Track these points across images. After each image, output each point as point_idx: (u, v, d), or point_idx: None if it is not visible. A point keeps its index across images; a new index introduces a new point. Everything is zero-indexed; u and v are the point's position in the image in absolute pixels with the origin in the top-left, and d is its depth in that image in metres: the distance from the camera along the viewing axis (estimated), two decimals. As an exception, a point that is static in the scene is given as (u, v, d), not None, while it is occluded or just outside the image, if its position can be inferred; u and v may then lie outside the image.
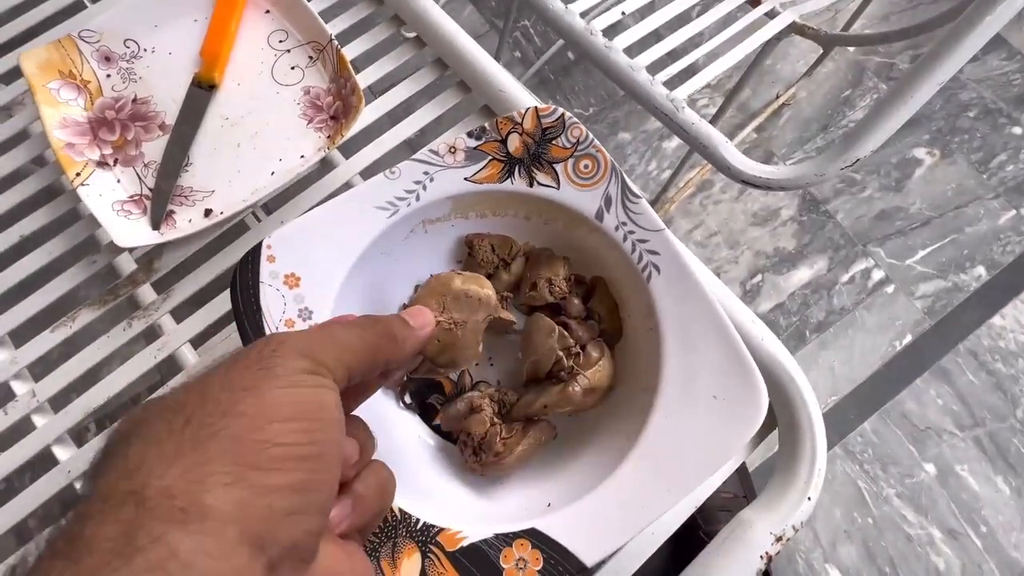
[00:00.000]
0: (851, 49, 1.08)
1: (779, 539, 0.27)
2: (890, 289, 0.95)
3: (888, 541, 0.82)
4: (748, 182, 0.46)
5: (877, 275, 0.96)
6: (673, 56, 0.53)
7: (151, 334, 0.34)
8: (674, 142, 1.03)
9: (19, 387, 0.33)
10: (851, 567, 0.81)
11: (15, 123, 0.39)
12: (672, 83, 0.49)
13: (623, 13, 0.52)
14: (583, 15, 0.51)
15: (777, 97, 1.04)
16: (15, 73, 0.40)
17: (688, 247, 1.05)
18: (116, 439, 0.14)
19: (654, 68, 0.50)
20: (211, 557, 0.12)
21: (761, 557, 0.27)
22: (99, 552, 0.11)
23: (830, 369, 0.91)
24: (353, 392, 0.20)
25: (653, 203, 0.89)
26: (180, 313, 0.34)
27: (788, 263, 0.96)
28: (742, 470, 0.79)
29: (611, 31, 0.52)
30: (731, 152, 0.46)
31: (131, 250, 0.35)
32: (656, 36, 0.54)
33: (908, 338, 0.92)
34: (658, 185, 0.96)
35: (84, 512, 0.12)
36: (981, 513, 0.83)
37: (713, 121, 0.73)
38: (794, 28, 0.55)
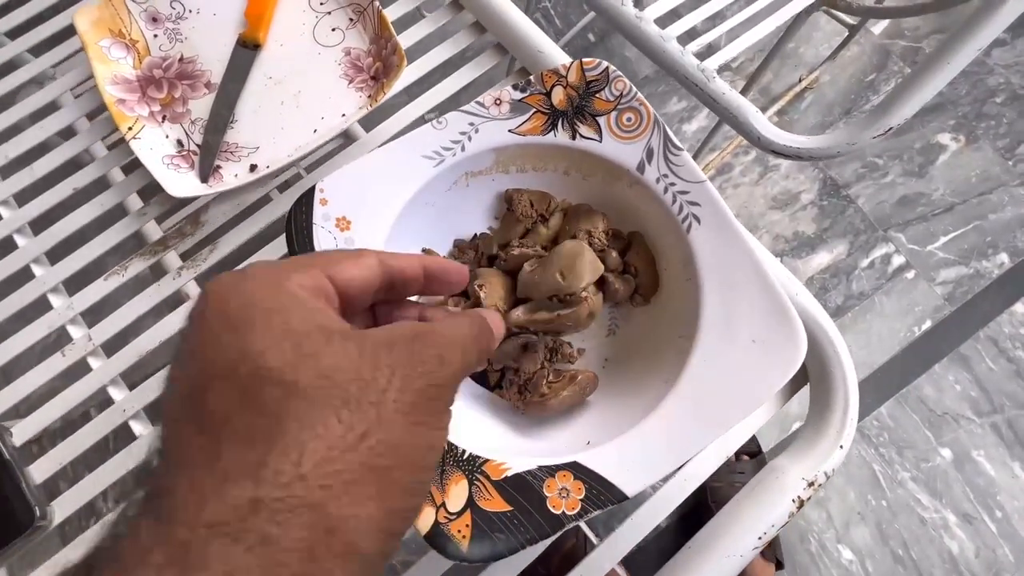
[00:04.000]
0: (876, 32, 1.07)
1: (811, 484, 0.28)
2: (910, 275, 0.94)
3: (902, 524, 0.83)
4: (778, 152, 0.46)
5: (897, 261, 0.95)
6: (704, 28, 0.53)
7: (198, 284, 0.35)
8: (695, 124, 1.03)
9: (75, 332, 0.34)
10: (864, 548, 0.82)
11: (64, 82, 0.40)
12: (702, 54, 0.49)
13: (654, -16, 0.52)
14: (614, -14, 0.51)
15: (800, 80, 1.03)
16: (60, 36, 0.41)
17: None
18: (263, 388, 0.13)
19: (684, 39, 0.50)
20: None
21: (793, 501, 0.28)
22: (284, 559, 0.11)
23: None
24: None
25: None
26: (224, 266, 0.35)
27: (807, 247, 0.96)
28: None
29: (641, 2, 0.52)
30: (761, 122, 0.46)
31: (175, 203, 0.36)
32: (687, 7, 0.54)
33: (927, 324, 0.92)
34: (677, 167, 0.96)
35: (254, 494, 0.12)
36: (996, 498, 0.83)
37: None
38: (825, 1, 0.54)
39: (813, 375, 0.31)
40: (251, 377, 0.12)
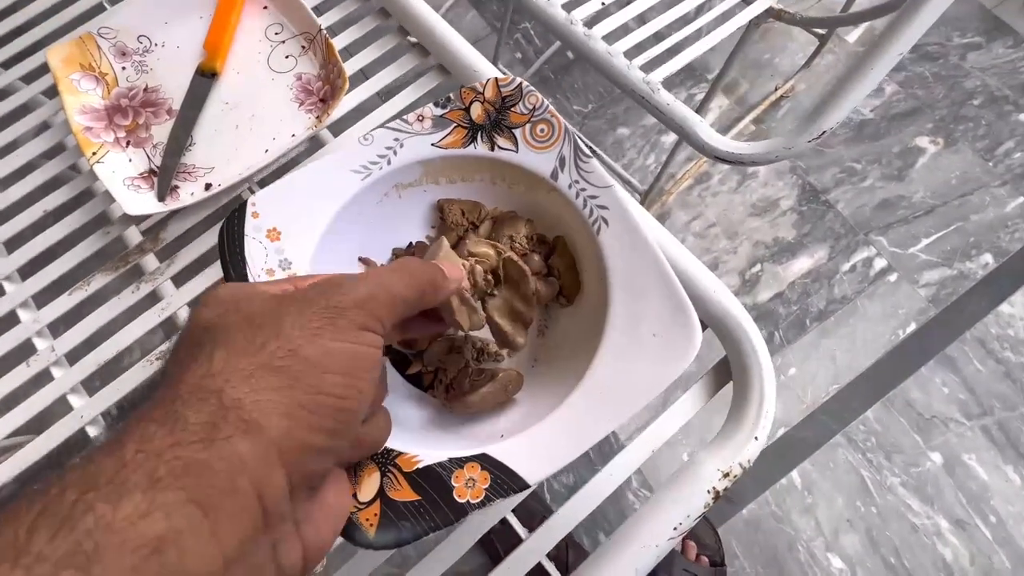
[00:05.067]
0: (851, 41, 1.09)
1: (726, 475, 0.29)
2: (893, 278, 0.94)
3: (892, 530, 0.81)
4: (722, 158, 0.47)
5: (879, 264, 0.95)
6: (651, 42, 0.55)
7: (156, 297, 0.37)
8: (672, 136, 1.04)
9: (40, 343, 0.36)
10: (854, 556, 0.80)
11: (40, 114, 0.43)
12: (649, 67, 0.52)
13: (603, 3, 0.55)
14: (564, 7, 0.54)
15: (775, 89, 1.05)
16: (39, 72, 0.44)
17: (686, 238, 1.05)
18: (200, 332, 0.18)
19: (632, 54, 0.52)
20: (260, 465, 0.15)
21: (708, 491, 0.28)
22: (190, 431, 0.14)
23: (831, 358, 0.90)
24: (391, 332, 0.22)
25: (648, 194, 0.90)
26: (181, 278, 0.37)
27: (788, 253, 0.96)
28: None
29: (592, 20, 0.55)
30: (705, 130, 0.48)
31: (140, 220, 0.38)
32: (636, 23, 0.56)
33: (912, 326, 0.91)
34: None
35: (176, 392, 0.16)
36: (990, 503, 0.81)
37: (700, 108, 0.74)
38: (771, 13, 0.56)
39: (735, 371, 0.32)
40: (202, 330, 0.18)
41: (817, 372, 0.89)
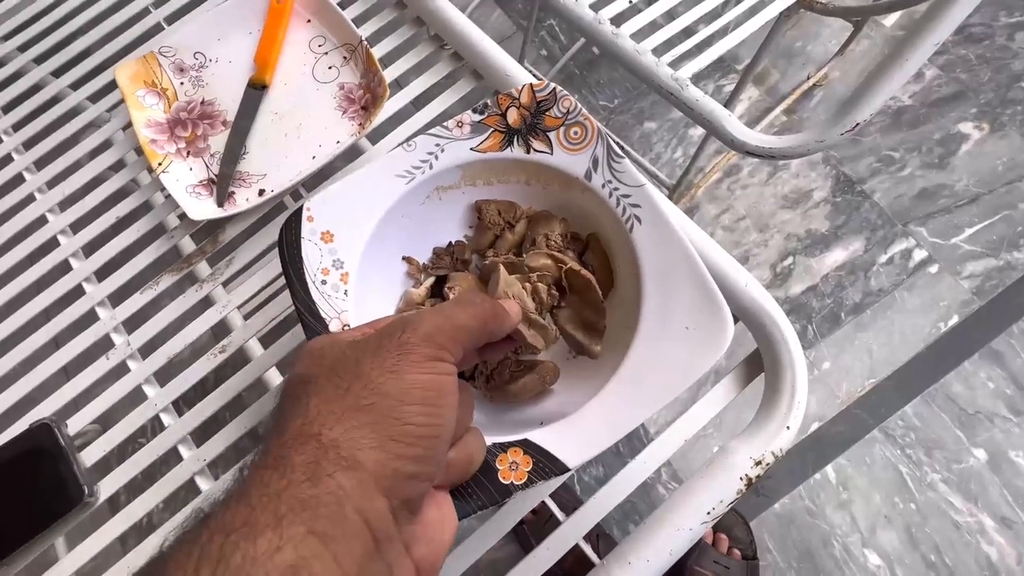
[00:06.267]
0: (887, 25, 1.05)
1: (758, 463, 0.30)
2: (934, 269, 0.91)
3: (933, 528, 0.79)
4: (752, 153, 0.48)
5: (919, 255, 0.92)
6: (679, 38, 0.56)
7: (217, 295, 0.40)
8: (701, 129, 1.03)
9: (117, 338, 0.40)
10: (892, 553, 0.79)
11: (104, 132, 0.47)
12: (677, 63, 0.52)
13: (630, 1, 0.55)
14: (592, 6, 0.55)
15: (808, 78, 1.02)
16: (103, 91, 0.48)
17: (715, 232, 1.04)
18: (297, 386, 0.20)
19: (660, 50, 0.53)
20: (362, 495, 0.17)
21: (741, 479, 0.29)
22: (298, 472, 0.17)
23: (867, 351, 0.88)
24: (465, 359, 0.23)
25: (676, 188, 0.90)
26: (238, 276, 0.40)
27: (821, 245, 0.94)
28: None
29: (619, 19, 0.56)
30: (734, 125, 0.48)
31: (199, 226, 0.41)
32: (664, 19, 0.56)
33: (954, 319, 0.88)
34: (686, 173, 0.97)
35: (283, 440, 0.18)
36: (1039, 502, 0.79)
37: (730, 100, 0.74)
38: (802, 3, 0.56)
39: (767, 362, 0.33)
40: (298, 384, 0.20)
41: (852, 366, 0.88)
